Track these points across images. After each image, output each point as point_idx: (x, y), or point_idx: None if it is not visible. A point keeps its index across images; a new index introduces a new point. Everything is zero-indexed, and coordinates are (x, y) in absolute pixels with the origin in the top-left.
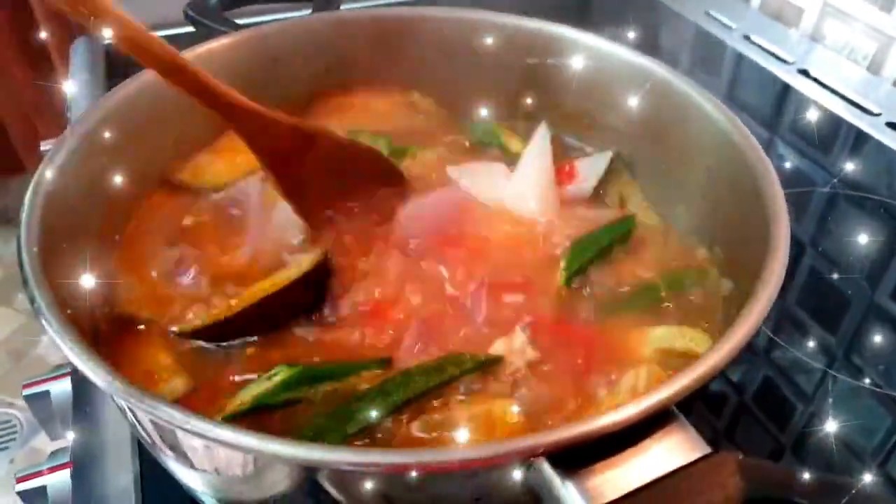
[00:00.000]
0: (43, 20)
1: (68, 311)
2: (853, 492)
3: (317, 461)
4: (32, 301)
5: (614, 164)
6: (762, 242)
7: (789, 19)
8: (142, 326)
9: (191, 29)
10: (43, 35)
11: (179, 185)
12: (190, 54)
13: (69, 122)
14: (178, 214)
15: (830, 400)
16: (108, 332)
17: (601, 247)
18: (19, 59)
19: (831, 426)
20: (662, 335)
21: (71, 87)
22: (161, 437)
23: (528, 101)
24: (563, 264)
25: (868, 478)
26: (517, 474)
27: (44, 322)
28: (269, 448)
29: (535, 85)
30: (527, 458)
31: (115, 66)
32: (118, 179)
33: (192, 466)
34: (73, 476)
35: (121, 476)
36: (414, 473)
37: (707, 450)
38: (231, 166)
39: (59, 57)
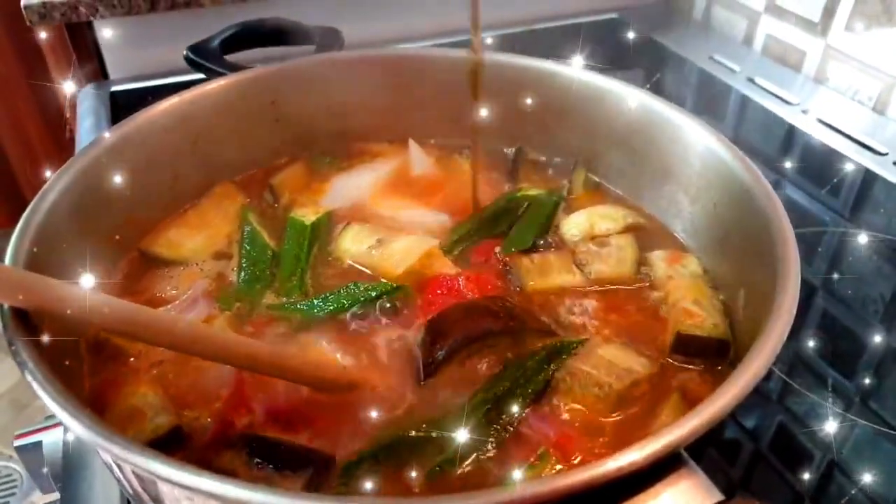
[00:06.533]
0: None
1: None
2: None
3: None
4: (5, 328)
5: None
6: (772, 280)
7: (792, 62)
8: (132, 359)
9: (198, 76)
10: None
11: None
12: (186, 95)
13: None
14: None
15: (848, 445)
16: (94, 365)
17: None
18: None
19: (850, 472)
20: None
21: (78, 133)
22: (143, 488)
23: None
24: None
25: None
26: None
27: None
28: (255, 498)
29: (534, 122)
30: None
31: (120, 112)
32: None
33: None
34: None
35: None
36: None
37: (720, 496)
38: (206, 241)
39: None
